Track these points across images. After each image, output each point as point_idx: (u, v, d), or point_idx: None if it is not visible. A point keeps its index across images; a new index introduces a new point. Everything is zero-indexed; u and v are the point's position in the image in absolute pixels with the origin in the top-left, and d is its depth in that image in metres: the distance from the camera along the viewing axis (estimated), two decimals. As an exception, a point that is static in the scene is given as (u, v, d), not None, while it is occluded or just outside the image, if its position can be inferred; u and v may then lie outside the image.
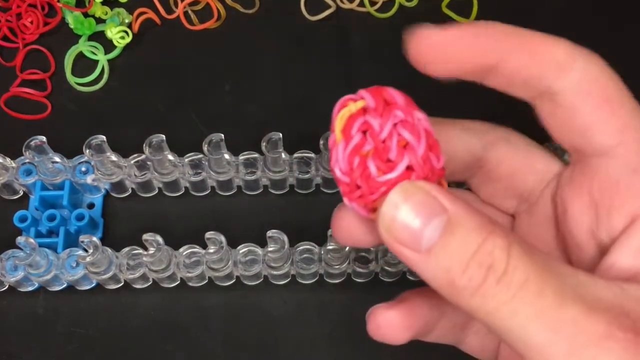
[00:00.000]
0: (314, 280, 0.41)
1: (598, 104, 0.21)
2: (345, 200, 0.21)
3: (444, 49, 0.21)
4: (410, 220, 0.19)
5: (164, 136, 0.39)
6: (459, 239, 0.18)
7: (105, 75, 0.47)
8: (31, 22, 0.48)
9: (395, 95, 0.21)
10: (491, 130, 0.25)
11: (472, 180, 0.26)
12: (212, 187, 0.43)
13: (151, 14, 0.49)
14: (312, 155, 0.41)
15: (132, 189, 0.43)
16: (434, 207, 0.19)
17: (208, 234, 0.37)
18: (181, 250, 0.39)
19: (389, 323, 0.23)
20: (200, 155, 0.41)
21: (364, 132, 0.20)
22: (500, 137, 0.25)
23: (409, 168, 0.20)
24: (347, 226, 0.23)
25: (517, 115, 0.25)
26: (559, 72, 0.21)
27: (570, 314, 0.18)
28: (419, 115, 0.20)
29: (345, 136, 0.21)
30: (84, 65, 0.48)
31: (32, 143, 0.39)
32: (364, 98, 0.21)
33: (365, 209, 0.21)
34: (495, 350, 0.25)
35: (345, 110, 0.21)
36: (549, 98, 0.21)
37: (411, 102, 0.21)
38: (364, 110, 0.21)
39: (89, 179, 0.41)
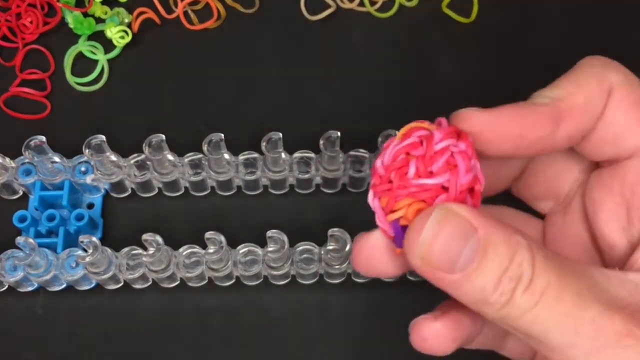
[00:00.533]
0: (314, 280, 0.41)
1: (627, 110, 0.21)
2: (371, 194, 0.21)
3: (494, 128, 0.21)
4: (447, 246, 0.19)
5: (163, 136, 0.39)
6: (492, 257, 0.19)
7: (105, 75, 0.47)
8: (31, 22, 0.48)
9: (468, 136, 0.21)
10: None
11: (512, 185, 0.26)
12: (212, 187, 0.43)
13: (151, 14, 0.48)
14: (312, 155, 0.41)
15: (132, 189, 0.43)
16: (467, 230, 0.19)
17: (208, 234, 0.37)
18: (181, 250, 0.39)
19: (435, 335, 0.23)
20: (200, 155, 0.41)
21: (422, 142, 0.21)
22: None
23: (444, 188, 0.20)
24: (368, 257, 0.23)
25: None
26: (603, 98, 0.21)
27: (589, 315, 0.18)
28: (477, 164, 0.21)
29: (403, 137, 0.21)
30: (83, 65, 0.48)
31: (32, 143, 0.39)
32: (441, 123, 0.21)
33: (384, 209, 0.21)
34: (533, 354, 0.26)
35: (417, 123, 0.21)
36: None
37: (477, 153, 0.21)
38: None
39: (88, 179, 0.41)
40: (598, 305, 0.18)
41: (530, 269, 0.19)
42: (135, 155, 0.40)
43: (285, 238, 0.37)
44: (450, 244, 0.19)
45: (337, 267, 0.39)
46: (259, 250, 0.39)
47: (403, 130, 0.21)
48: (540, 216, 0.27)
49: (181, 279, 0.40)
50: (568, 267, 0.19)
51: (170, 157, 0.40)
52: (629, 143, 0.21)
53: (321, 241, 0.39)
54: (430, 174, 0.20)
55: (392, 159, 0.21)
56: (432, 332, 0.23)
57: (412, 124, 0.21)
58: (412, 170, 0.20)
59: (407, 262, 0.22)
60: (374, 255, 0.23)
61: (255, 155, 0.41)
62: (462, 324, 0.23)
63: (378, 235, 0.23)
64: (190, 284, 0.40)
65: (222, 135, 0.39)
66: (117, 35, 0.47)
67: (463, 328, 0.23)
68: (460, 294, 0.19)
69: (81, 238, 0.37)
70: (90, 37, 0.48)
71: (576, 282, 0.19)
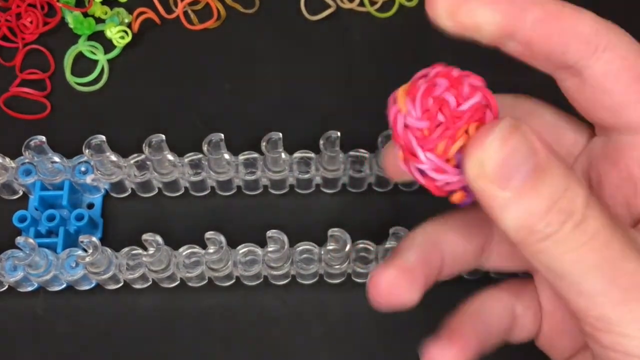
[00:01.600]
0: (314, 280, 0.41)
1: (628, 83, 0.21)
2: (420, 152, 0.21)
3: (460, 6, 0.21)
4: (508, 158, 0.19)
5: (163, 136, 0.39)
6: (548, 182, 0.19)
7: (105, 75, 0.47)
8: (31, 22, 0.48)
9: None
10: (519, 104, 0.25)
11: None
12: (212, 187, 0.43)
13: (151, 14, 0.48)
14: (312, 155, 0.41)
15: (132, 189, 0.43)
16: (530, 148, 0.19)
17: (208, 234, 0.37)
18: (181, 250, 0.39)
19: (388, 284, 0.23)
20: (200, 155, 0.41)
21: (435, 84, 0.21)
22: (529, 110, 0.25)
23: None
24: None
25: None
26: (585, 49, 0.21)
27: (630, 266, 0.18)
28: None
29: (411, 90, 0.21)
30: (83, 65, 0.48)
31: (32, 143, 0.39)
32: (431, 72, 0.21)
33: (441, 156, 0.20)
34: (521, 264, 0.26)
35: (404, 87, 0.22)
36: (575, 74, 0.21)
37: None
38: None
39: (88, 179, 0.41)
40: (639, 259, 0.18)
41: (582, 208, 0.18)
42: (135, 155, 0.40)
43: (285, 238, 0.37)
44: (512, 157, 0.19)
45: (337, 267, 0.39)
46: (259, 250, 0.39)
47: (404, 88, 0.21)
48: None
49: (181, 279, 0.40)
50: (613, 217, 0.19)
51: (170, 157, 0.40)
52: (628, 117, 0.21)
53: (321, 241, 0.39)
54: (464, 99, 0.20)
55: (423, 108, 0.20)
56: (387, 281, 0.23)
57: (405, 87, 0.22)
58: (452, 101, 0.20)
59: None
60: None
61: (255, 155, 0.41)
62: (418, 265, 0.23)
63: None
64: (190, 284, 0.40)
65: (222, 135, 0.39)
66: (117, 35, 0.47)
67: (419, 270, 0.23)
68: (506, 217, 0.19)
69: (81, 238, 0.37)
70: (90, 37, 0.48)
71: (623, 233, 0.19)
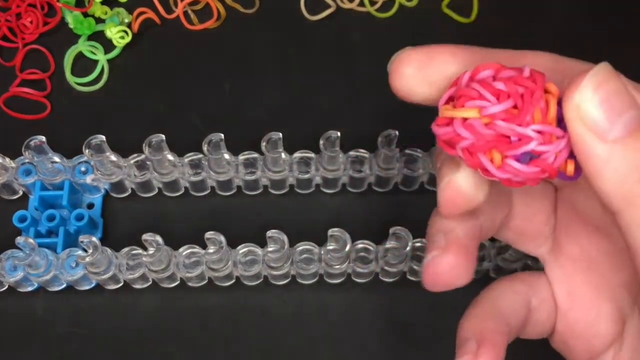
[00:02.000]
0: (314, 280, 0.41)
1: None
2: (522, 129, 0.18)
3: (426, 67, 0.21)
4: (604, 102, 0.17)
5: (163, 136, 0.39)
6: None
7: (105, 75, 0.47)
8: (31, 22, 0.48)
9: None
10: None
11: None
12: (212, 187, 0.43)
13: (151, 14, 0.48)
14: (312, 155, 0.41)
15: (132, 189, 0.43)
16: (630, 96, 0.17)
17: (208, 234, 0.37)
18: (181, 250, 0.39)
19: (450, 267, 0.22)
20: (200, 155, 0.41)
21: (479, 80, 0.20)
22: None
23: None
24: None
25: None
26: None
27: None
28: None
29: (462, 97, 0.20)
30: (83, 65, 0.48)
31: (32, 143, 0.39)
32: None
33: (544, 122, 0.18)
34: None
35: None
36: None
37: None
38: None
39: (88, 179, 0.41)
40: None
41: None
42: (135, 155, 0.40)
43: (285, 238, 0.37)
44: (609, 101, 0.17)
45: (337, 267, 0.39)
46: (259, 250, 0.39)
47: (446, 108, 0.20)
48: None
49: (181, 279, 0.40)
50: None
51: (170, 157, 0.40)
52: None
53: (321, 241, 0.39)
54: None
55: (494, 92, 0.19)
56: (446, 266, 0.22)
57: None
58: (513, 73, 0.19)
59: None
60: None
61: (255, 155, 0.41)
62: (471, 250, 0.23)
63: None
64: (190, 284, 0.40)
65: (222, 135, 0.39)
66: (117, 35, 0.47)
67: (473, 254, 0.23)
68: (607, 171, 0.17)
69: (81, 238, 0.37)
70: (90, 37, 0.48)
71: None
